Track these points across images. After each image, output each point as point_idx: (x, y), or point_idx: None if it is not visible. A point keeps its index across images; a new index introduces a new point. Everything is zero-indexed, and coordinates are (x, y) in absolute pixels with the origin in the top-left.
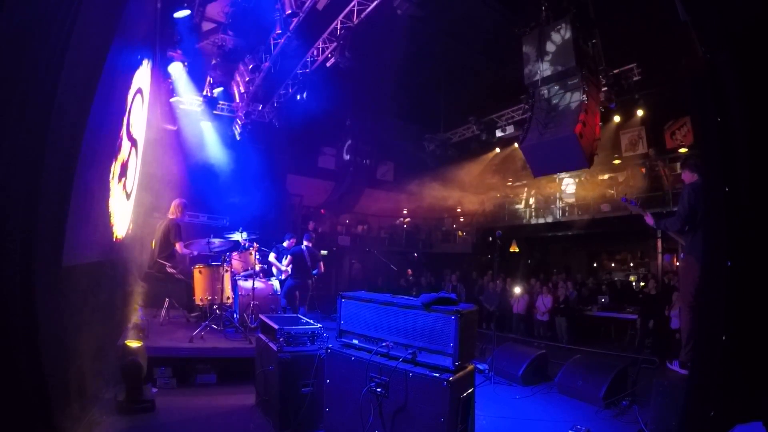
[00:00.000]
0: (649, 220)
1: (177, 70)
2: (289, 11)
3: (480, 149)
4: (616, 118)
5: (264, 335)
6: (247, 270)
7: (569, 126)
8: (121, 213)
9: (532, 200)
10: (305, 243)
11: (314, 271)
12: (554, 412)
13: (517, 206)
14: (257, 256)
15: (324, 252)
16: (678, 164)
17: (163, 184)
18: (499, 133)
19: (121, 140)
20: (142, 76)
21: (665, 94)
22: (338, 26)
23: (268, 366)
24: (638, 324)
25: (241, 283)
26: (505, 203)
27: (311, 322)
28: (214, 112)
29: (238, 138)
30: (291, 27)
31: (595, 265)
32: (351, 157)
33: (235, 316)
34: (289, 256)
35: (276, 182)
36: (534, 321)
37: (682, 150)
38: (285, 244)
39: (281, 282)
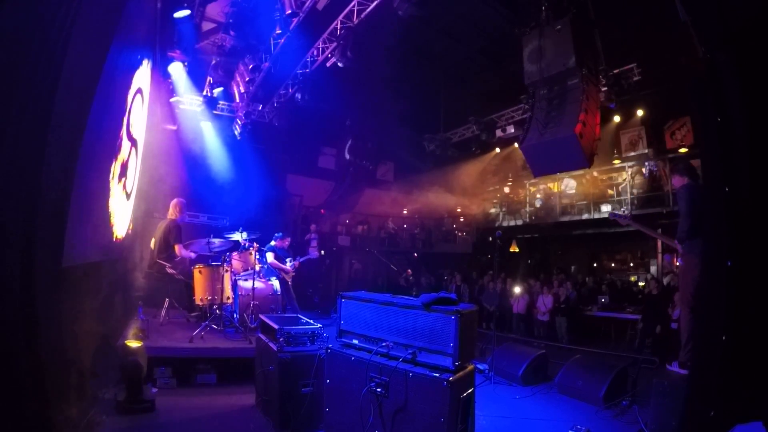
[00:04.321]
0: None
1: (177, 70)
2: (289, 11)
3: (480, 149)
4: (616, 118)
5: (264, 335)
6: (247, 270)
7: (569, 126)
8: (121, 213)
9: (531, 200)
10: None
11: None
12: (554, 412)
13: (517, 206)
14: (257, 256)
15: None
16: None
17: (163, 184)
18: (499, 133)
19: (121, 140)
20: (142, 76)
21: (665, 94)
22: (338, 26)
23: (268, 366)
24: (639, 324)
25: (241, 283)
26: (505, 203)
27: (311, 322)
28: (214, 112)
29: (238, 138)
30: (291, 27)
31: (595, 265)
32: (351, 157)
33: (235, 316)
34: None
35: (276, 182)
36: (534, 321)
37: (682, 150)
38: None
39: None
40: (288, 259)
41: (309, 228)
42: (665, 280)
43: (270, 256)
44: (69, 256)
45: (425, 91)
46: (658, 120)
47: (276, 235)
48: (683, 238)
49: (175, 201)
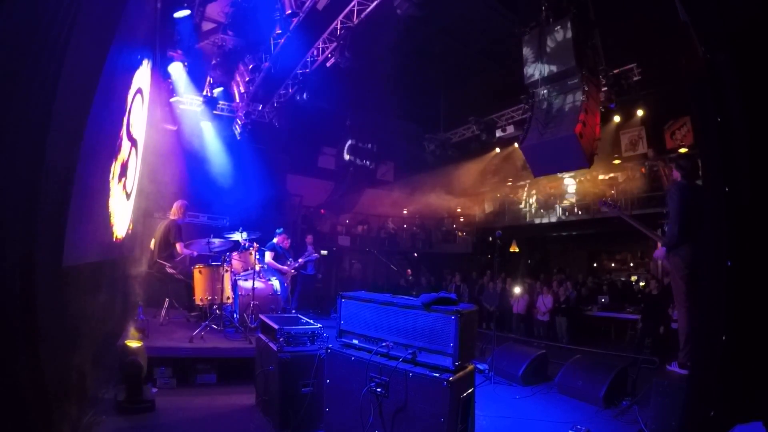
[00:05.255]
0: (660, 253)
1: (177, 70)
2: (289, 11)
3: (480, 149)
4: (616, 118)
5: (264, 335)
6: (247, 270)
7: (569, 126)
8: (121, 213)
9: (532, 200)
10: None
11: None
12: (554, 412)
13: (518, 206)
14: (257, 256)
15: (324, 252)
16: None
17: (163, 184)
18: (499, 133)
19: (121, 140)
20: (142, 76)
21: (665, 94)
22: (338, 26)
23: (268, 366)
24: (639, 324)
25: (241, 283)
26: (505, 203)
27: (311, 322)
28: (214, 112)
29: (238, 138)
30: (291, 27)
31: (595, 265)
32: (351, 157)
33: (235, 316)
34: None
35: (276, 182)
36: (534, 321)
37: (682, 150)
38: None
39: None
40: (289, 260)
41: (309, 228)
42: (666, 280)
43: (268, 256)
44: (69, 256)
45: (425, 90)
46: (658, 120)
47: (277, 231)
48: (672, 244)
49: (179, 202)
